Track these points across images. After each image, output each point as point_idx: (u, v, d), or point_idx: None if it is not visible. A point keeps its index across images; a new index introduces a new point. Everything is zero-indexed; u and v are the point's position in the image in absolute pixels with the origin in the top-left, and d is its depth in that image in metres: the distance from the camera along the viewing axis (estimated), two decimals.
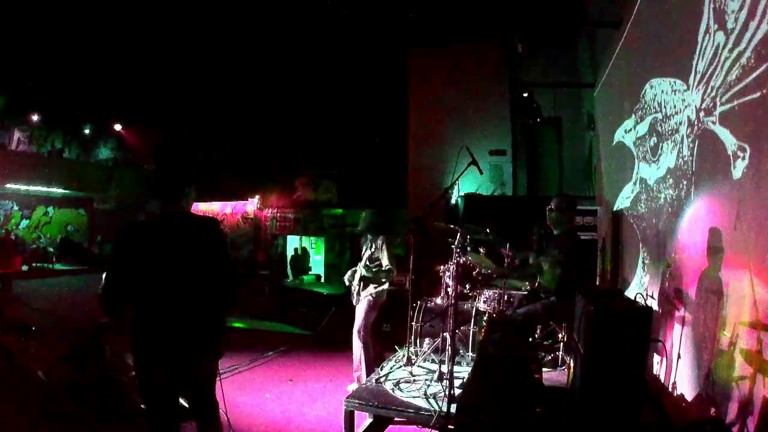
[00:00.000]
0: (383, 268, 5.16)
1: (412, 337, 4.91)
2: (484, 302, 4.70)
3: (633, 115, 5.21)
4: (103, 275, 2.72)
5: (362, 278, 5.23)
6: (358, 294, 5.28)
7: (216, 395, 3.00)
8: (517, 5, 7.94)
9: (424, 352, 4.80)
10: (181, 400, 3.00)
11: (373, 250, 5.27)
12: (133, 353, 2.79)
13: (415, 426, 3.88)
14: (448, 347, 4.07)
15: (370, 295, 5.18)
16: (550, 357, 4.58)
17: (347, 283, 5.43)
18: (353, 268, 5.42)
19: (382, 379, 4.30)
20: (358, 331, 5.14)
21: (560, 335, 4.55)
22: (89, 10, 11.20)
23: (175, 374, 2.78)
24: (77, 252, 3.62)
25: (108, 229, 19.30)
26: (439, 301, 5.09)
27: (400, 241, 5.98)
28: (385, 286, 5.21)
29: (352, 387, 4.95)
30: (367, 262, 5.23)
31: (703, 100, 3.24)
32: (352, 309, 5.37)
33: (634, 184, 5.25)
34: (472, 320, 4.82)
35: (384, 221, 5.50)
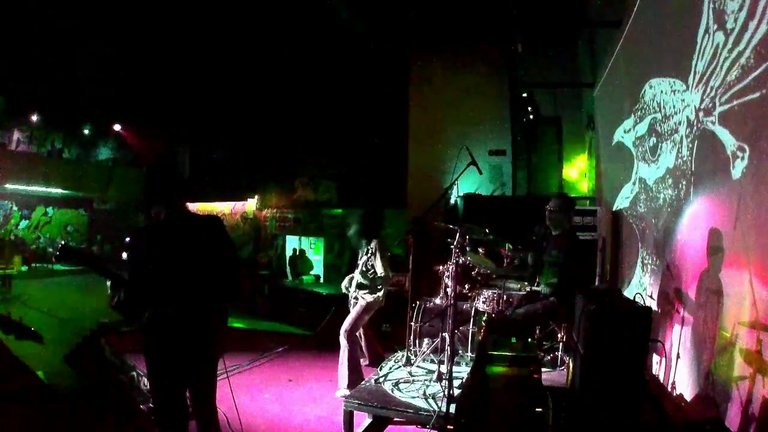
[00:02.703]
0: (378, 275, 5.11)
1: (412, 337, 4.90)
2: (484, 302, 4.69)
3: (632, 115, 5.21)
4: (109, 283, 2.77)
5: (359, 285, 5.20)
6: (356, 300, 5.21)
7: (216, 394, 3.08)
8: (517, 5, 7.93)
9: (424, 352, 4.79)
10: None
11: (368, 256, 5.21)
12: (146, 347, 2.87)
13: (415, 426, 3.87)
14: (447, 347, 4.07)
15: (366, 299, 5.15)
16: (549, 357, 4.57)
17: (344, 291, 5.37)
18: (350, 275, 5.37)
19: (381, 379, 4.29)
20: (345, 331, 5.06)
21: (560, 335, 4.55)
22: (89, 10, 11.20)
23: (185, 365, 2.89)
24: (78, 255, 3.62)
25: (108, 229, 19.31)
26: (438, 301, 5.08)
27: (399, 242, 5.91)
28: (382, 292, 5.15)
29: (341, 393, 4.91)
30: (364, 269, 5.18)
31: (702, 100, 3.24)
32: None
33: (634, 184, 5.25)
34: (472, 320, 4.81)
35: (373, 222, 5.37)
